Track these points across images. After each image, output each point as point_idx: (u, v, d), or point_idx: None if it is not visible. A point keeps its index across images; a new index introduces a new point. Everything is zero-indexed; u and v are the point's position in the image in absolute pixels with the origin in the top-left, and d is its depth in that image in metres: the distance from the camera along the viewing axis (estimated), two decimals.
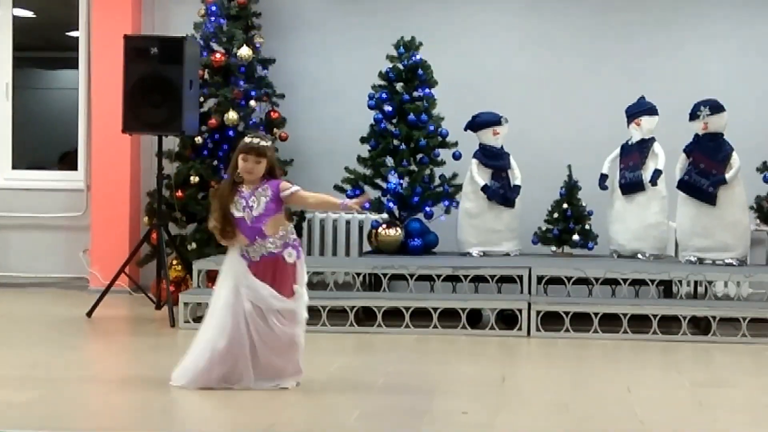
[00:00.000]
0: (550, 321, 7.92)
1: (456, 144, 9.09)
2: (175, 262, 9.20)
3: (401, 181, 8.96)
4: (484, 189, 8.82)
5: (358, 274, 8.28)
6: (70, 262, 10.28)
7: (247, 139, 5.99)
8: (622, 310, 7.87)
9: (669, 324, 7.91)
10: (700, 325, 7.98)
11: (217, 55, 9.45)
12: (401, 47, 9.16)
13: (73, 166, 10.58)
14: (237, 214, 5.93)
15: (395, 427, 5.23)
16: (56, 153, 11.50)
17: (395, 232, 8.85)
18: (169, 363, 6.71)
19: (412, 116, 9.00)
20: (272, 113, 9.63)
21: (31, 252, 10.33)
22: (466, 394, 5.97)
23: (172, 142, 9.47)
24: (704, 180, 8.39)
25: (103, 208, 10.04)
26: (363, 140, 9.17)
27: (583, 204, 9.05)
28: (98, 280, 9.68)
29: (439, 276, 8.30)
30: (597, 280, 8.17)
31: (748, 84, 9.63)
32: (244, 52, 9.43)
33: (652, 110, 8.85)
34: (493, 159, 8.92)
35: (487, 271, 8.26)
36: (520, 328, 7.91)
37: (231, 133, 9.34)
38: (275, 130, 9.59)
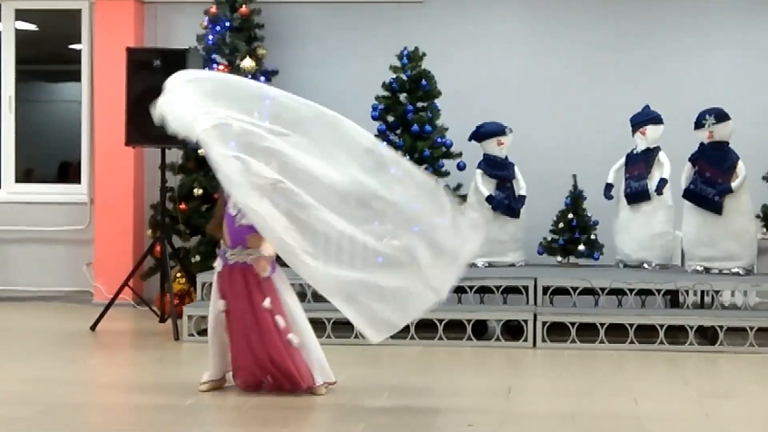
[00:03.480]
0: (556, 332, 7.88)
1: (460, 154, 9.05)
2: (179, 275, 9.17)
3: None
4: (489, 199, 8.78)
5: None
6: (74, 275, 10.25)
7: None
8: (629, 320, 7.83)
9: (676, 334, 7.87)
10: (707, 335, 7.93)
11: (220, 67, 9.43)
12: (404, 58, 9.13)
13: (72, 177, 10.56)
14: (232, 211, 5.95)
15: None
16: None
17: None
18: (174, 376, 6.71)
19: (415, 127, 8.97)
20: None
21: (35, 265, 10.31)
22: (472, 406, 5.93)
23: (175, 155, 9.45)
24: (710, 189, 8.35)
25: (107, 221, 10.02)
26: None
27: (589, 214, 9.01)
28: (102, 294, 9.65)
29: None
30: (603, 290, 8.13)
31: (754, 92, 9.60)
32: (247, 63, 9.41)
33: (657, 119, 8.82)
34: (498, 169, 8.89)
35: (492, 282, 8.22)
36: (525, 339, 7.87)
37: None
38: None
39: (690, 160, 8.54)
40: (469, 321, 7.93)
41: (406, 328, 7.85)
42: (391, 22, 9.99)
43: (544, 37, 9.94)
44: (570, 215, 8.99)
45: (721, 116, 8.40)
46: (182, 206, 9.30)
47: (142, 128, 8.53)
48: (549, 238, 9.07)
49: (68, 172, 11.10)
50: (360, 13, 10.09)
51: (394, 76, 9.14)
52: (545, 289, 8.13)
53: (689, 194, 8.46)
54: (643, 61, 9.79)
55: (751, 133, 9.10)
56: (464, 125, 8.99)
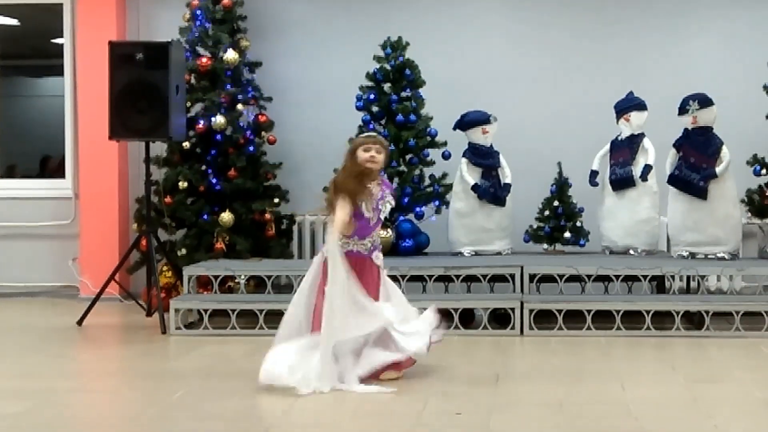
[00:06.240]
0: (543, 319, 7.89)
1: (445, 143, 9.05)
2: (165, 268, 9.15)
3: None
4: (475, 188, 8.79)
5: None
6: (60, 270, 10.23)
7: (363, 135, 6.47)
8: (615, 306, 7.84)
9: (662, 319, 7.89)
10: (694, 320, 7.95)
11: (204, 60, 9.41)
12: (388, 47, 9.13)
13: (54, 171, 10.53)
14: (366, 213, 6.12)
15: (390, 428, 5.20)
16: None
17: (386, 234, 8.80)
18: (161, 370, 6.70)
19: (400, 117, 8.97)
20: (260, 117, 9.58)
21: (20, 261, 10.28)
22: (460, 394, 5.93)
23: (159, 148, 9.43)
24: (694, 174, 8.37)
25: (92, 215, 10.00)
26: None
27: (574, 201, 9.03)
28: (88, 288, 9.64)
29: (431, 276, 8.26)
30: (589, 277, 8.15)
31: (737, 77, 9.60)
32: (231, 55, 9.39)
33: (641, 105, 8.84)
34: (483, 158, 8.89)
35: (479, 271, 8.23)
36: (513, 327, 7.88)
37: (219, 137, 9.30)
38: (263, 133, 9.55)
39: (674, 145, 8.55)
40: (456, 310, 7.93)
41: None
42: (374, 12, 9.98)
43: (527, 25, 9.94)
44: (555, 203, 9.00)
45: (704, 101, 8.41)
46: (167, 199, 9.28)
47: (126, 122, 8.54)
48: (535, 226, 9.08)
49: (47, 166, 11.08)
50: (343, 3, 10.07)
51: (378, 66, 9.13)
52: (532, 277, 8.14)
53: (674, 180, 8.48)
54: (626, 47, 9.80)
55: (735, 118, 9.11)
56: (449, 114, 8.99)
